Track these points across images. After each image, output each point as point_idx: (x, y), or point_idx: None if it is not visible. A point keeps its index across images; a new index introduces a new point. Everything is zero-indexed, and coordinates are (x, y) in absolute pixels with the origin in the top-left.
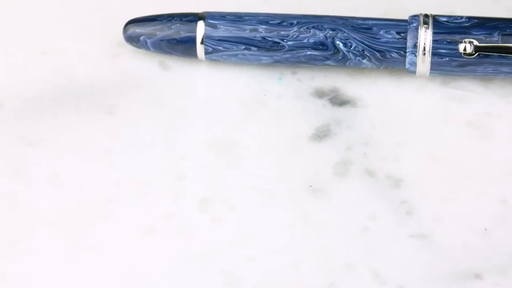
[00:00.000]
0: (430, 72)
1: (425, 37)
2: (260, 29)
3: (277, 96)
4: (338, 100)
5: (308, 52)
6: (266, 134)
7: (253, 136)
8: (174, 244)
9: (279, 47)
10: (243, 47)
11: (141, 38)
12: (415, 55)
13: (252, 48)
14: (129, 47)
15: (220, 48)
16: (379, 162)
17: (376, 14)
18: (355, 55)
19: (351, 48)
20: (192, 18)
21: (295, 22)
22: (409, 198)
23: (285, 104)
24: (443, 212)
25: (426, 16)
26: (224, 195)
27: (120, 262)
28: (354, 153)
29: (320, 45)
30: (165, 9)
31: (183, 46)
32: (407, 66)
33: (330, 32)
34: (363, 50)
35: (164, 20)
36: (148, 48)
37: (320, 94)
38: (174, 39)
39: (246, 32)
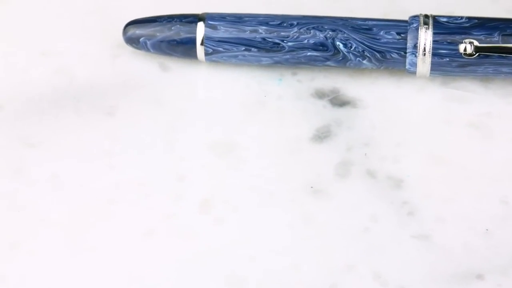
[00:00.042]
0: (430, 73)
1: (425, 37)
2: (260, 30)
3: (277, 97)
4: (339, 101)
5: (308, 53)
6: (266, 135)
7: (254, 137)
8: (174, 245)
9: (279, 48)
10: (243, 48)
11: (141, 39)
12: (415, 56)
13: (252, 49)
14: (129, 48)
15: (220, 49)
16: (380, 163)
17: (376, 15)
18: (355, 56)
19: (351, 49)
20: (192, 19)
21: (295, 23)
22: (410, 198)
23: (285, 105)
24: (444, 212)
25: (426, 16)
26: (225, 196)
27: (121, 263)
28: (354, 154)
29: (320, 46)
30: (165, 10)
31: (183, 47)
32: (407, 66)
33: (330, 33)
34: (363, 51)
35: (164, 21)
36: (148, 50)
37: (320, 95)
38: (174, 40)
39: (246, 33)
